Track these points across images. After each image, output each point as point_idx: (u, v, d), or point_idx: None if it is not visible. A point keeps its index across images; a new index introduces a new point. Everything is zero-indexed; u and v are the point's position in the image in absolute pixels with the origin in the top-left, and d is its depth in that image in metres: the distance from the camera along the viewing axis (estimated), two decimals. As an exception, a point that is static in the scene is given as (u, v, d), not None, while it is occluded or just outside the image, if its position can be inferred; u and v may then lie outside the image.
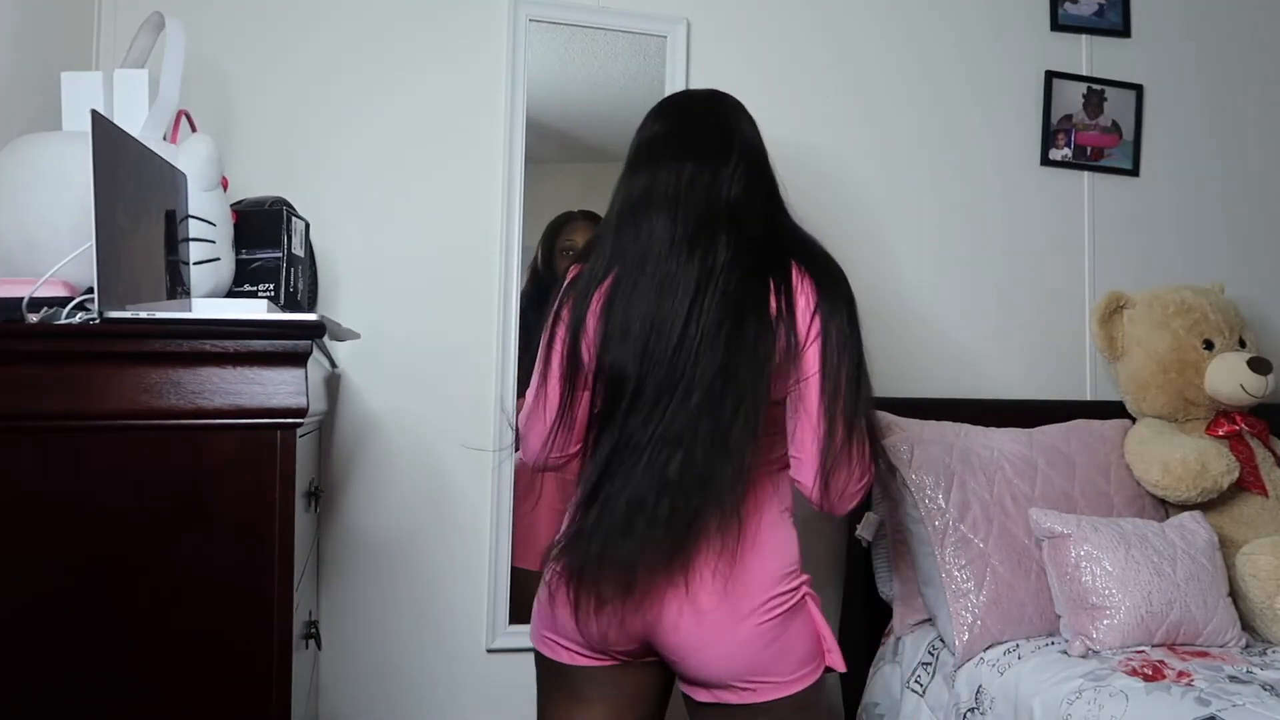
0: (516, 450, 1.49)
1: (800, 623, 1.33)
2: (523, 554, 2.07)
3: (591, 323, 1.33)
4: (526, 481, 2.07)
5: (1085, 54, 2.51)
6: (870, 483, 1.36)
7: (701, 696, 1.34)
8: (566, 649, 1.39)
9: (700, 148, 1.37)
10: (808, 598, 1.35)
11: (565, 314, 1.35)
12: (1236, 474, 2.07)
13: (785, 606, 1.31)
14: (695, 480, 1.25)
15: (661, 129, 1.43)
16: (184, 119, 1.58)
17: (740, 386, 1.26)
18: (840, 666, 1.36)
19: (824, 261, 1.34)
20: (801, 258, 1.33)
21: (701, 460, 1.25)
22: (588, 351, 1.34)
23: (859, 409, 1.29)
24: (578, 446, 1.39)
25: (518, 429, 1.46)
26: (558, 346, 1.35)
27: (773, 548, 1.33)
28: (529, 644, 2.04)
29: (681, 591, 1.28)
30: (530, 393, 1.41)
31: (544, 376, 1.37)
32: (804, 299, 1.29)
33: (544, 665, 1.44)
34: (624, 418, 1.29)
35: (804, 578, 1.35)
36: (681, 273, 1.29)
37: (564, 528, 1.36)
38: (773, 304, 1.28)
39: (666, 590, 1.28)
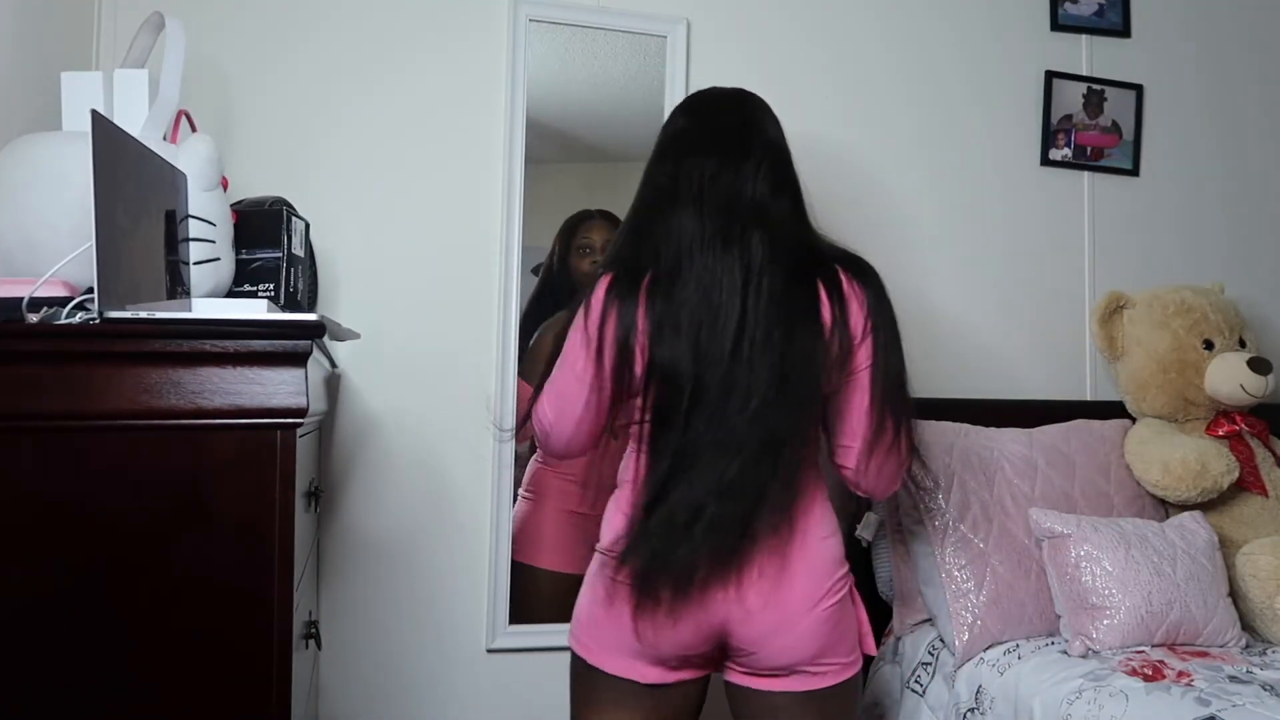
0: (518, 442, 1.47)
1: (851, 607, 1.41)
2: (527, 550, 2.07)
3: (640, 321, 1.32)
4: (586, 471, 1.96)
5: (1085, 54, 2.51)
6: (907, 472, 1.45)
7: (768, 685, 1.38)
8: (625, 659, 1.36)
9: (722, 144, 1.39)
10: (852, 584, 1.43)
11: (613, 312, 1.32)
12: (1236, 474, 2.07)
13: (844, 590, 1.39)
14: (751, 486, 1.28)
15: (684, 124, 1.45)
16: (184, 119, 1.58)
17: (796, 395, 1.30)
18: (873, 650, 1.45)
19: (867, 267, 1.40)
20: (845, 264, 1.38)
21: (756, 466, 1.28)
22: (640, 349, 1.32)
23: (903, 402, 1.37)
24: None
25: (524, 422, 1.43)
26: (609, 348, 1.32)
27: (821, 539, 1.38)
28: (529, 644, 2.07)
29: (733, 592, 1.32)
30: (568, 390, 1.37)
31: (593, 374, 1.34)
32: (856, 303, 1.35)
33: (584, 670, 1.41)
34: (686, 420, 1.29)
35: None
36: (721, 269, 1.30)
37: (620, 531, 1.35)
38: (825, 313, 1.32)
39: (719, 592, 1.31)
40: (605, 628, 1.37)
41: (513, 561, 2.07)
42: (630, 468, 1.40)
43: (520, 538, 2.08)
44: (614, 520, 1.40)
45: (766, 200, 1.36)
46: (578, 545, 1.99)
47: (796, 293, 1.32)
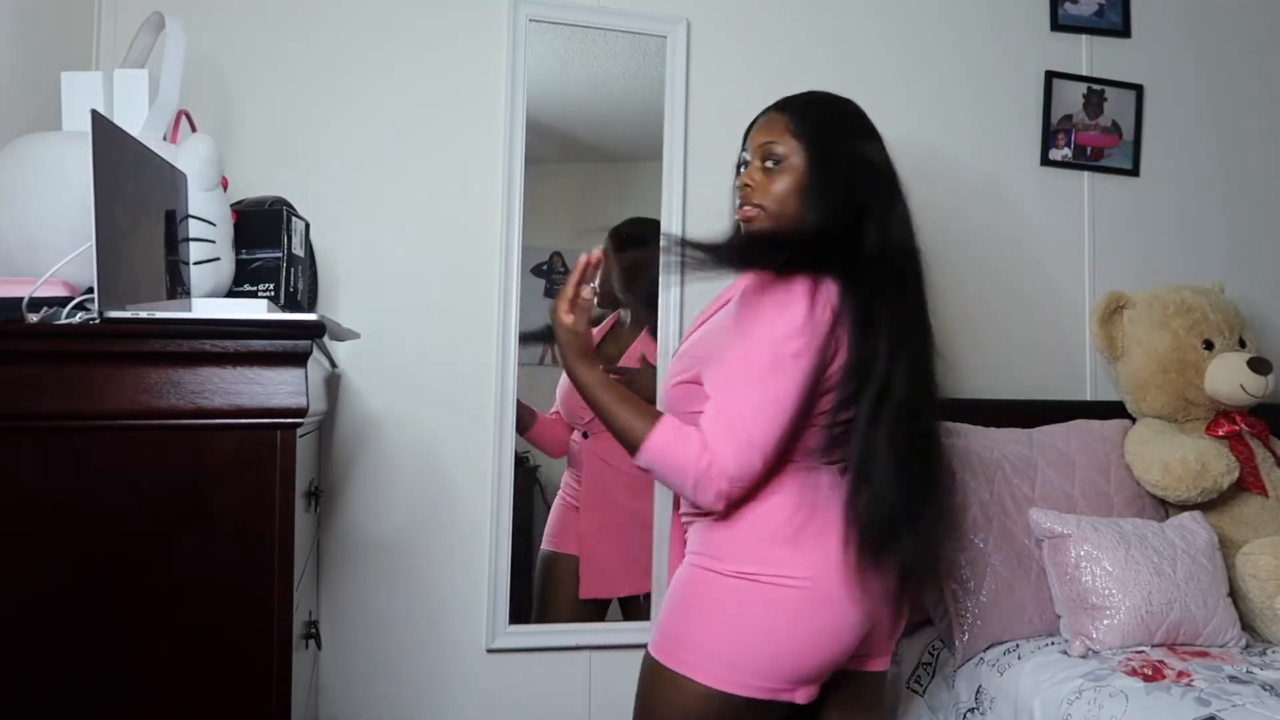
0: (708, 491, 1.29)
1: None
2: (553, 539, 2.16)
3: (866, 320, 1.34)
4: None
5: (1085, 54, 2.51)
6: None
7: (874, 666, 1.46)
8: (802, 687, 1.32)
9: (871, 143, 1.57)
10: None
11: (843, 314, 1.31)
12: (1236, 474, 2.07)
13: None
14: (940, 483, 1.40)
15: (844, 135, 1.59)
16: (184, 119, 1.58)
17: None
18: None
19: None
20: None
21: (943, 465, 1.41)
22: (869, 350, 1.33)
23: None
24: None
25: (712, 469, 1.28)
26: (838, 353, 1.32)
27: None
28: (529, 644, 2.08)
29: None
30: (784, 402, 1.28)
31: (806, 382, 1.30)
32: None
33: (758, 709, 1.31)
34: (873, 410, 1.30)
35: None
36: (904, 267, 1.43)
37: (841, 559, 1.30)
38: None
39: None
40: (807, 655, 1.31)
41: (544, 551, 2.16)
42: (820, 485, 1.35)
43: (551, 529, 2.17)
44: (823, 543, 1.31)
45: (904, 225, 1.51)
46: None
47: (923, 308, 1.45)
